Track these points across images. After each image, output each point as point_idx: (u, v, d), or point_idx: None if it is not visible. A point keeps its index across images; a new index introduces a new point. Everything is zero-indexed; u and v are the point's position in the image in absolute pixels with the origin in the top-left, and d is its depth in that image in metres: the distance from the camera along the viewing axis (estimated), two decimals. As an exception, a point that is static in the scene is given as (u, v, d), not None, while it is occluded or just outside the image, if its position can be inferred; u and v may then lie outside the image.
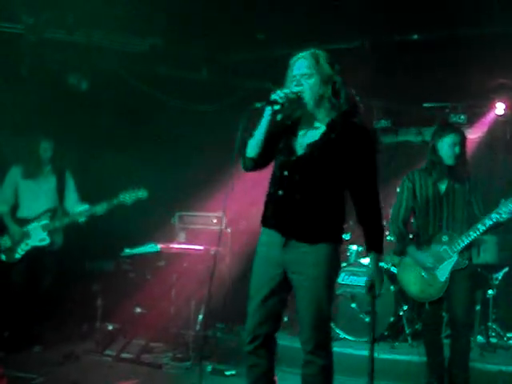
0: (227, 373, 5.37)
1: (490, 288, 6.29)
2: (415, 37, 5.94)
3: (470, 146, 7.33)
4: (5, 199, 6.13)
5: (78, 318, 6.45)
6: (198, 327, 6.15)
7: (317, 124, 3.44)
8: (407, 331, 6.07)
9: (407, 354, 5.63)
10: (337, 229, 3.41)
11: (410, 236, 4.88)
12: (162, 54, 6.59)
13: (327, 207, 3.34)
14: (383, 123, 7.89)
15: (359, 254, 6.75)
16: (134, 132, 7.34)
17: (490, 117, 7.48)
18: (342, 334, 6.25)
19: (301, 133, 3.47)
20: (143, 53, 6.55)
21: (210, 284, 3.92)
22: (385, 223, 6.63)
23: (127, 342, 5.89)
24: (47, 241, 6.03)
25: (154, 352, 5.96)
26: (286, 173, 3.41)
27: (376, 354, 5.59)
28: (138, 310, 6.15)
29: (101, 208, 5.97)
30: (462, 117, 7.47)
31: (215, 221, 7.13)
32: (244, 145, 3.47)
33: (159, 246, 5.73)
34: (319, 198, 3.34)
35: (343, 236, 3.54)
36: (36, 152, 6.12)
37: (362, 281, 6.30)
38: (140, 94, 6.96)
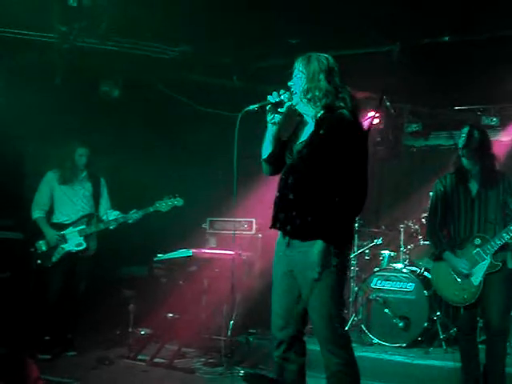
0: (260, 378, 5.36)
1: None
2: (446, 38, 5.87)
3: (503, 149, 7.28)
4: (41, 204, 6.14)
5: (112, 323, 6.47)
6: (229, 332, 6.16)
7: (309, 124, 3.57)
8: (441, 336, 5.99)
9: (442, 360, 5.57)
10: (334, 229, 3.33)
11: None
12: (193, 61, 6.61)
13: (320, 206, 3.34)
14: (414, 127, 7.86)
15: (392, 259, 6.71)
16: (166, 139, 7.41)
17: (523, 119, 7.41)
18: (376, 340, 6.21)
19: (299, 136, 3.59)
20: (174, 60, 6.59)
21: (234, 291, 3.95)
22: (417, 226, 6.66)
23: (160, 347, 5.91)
24: (84, 246, 6.05)
25: (186, 357, 6.00)
26: (283, 175, 3.55)
27: (410, 360, 5.65)
28: (171, 315, 6.16)
29: (136, 215, 6.04)
30: (495, 119, 7.40)
31: (246, 226, 7.15)
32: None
33: (191, 251, 5.75)
34: (311, 196, 3.38)
35: (346, 236, 3.48)
36: (72, 158, 6.14)
37: (394, 285, 6.28)
38: (172, 101, 7.02)
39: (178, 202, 6.00)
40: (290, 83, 3.56)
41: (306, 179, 3.41)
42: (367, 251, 7.00)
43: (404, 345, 6.05)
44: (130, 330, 6.31)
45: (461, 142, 4.72)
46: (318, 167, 3.37)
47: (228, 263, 6.03)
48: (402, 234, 6.68)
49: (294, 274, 3.47)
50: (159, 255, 6.03)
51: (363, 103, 7.81)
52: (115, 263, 6.91)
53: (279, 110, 3.53)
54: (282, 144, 3.63)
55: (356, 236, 6.85)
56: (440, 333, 6.02)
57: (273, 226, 3.57)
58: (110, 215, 6.22)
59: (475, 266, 4.57)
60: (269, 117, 3.55)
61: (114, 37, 6.04)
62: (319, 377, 4.56)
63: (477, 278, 4.57)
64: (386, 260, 6.72)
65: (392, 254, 6.74)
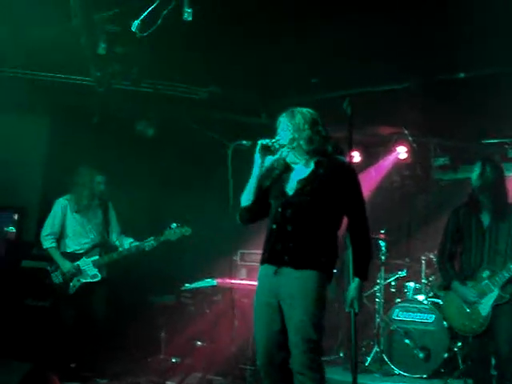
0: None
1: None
2: (462, 75, 6.04)
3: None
4: (53, 233, 6.09)
5: (144, 350, 6.69)
6: (256, 361, 6.31)
7: (301, 168, 3.85)
8: (461, 367, 6.03)
9: (460, 390, 5.62)
10: (326, 259, 3.71)
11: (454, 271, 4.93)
12: (222, 100, 6.96)
13: (317, 237, 3.68)
14: (441, 161, 7.97)
15: (416, 291, 6.79)
16: (199, 174, 7.73)
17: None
18: (397, 370, 6.29)
19: (290, 178, 3.85)
20: (204, 100, 6.95)
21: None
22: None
23: (187, 374, 6.13)
24: (99, 277, 6.03)
25: (212, 384, 6.20)
26: (279, 209, 3.76)
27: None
28: (198, 343, 6.38)
29: (149, 244, 6.03)
30: (522, 151, 7.46)
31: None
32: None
33: (216, 281, 5.98)
34: (310, 228, 3.67)
35: (334, 269, 3.78)
36: (91, 186, 6.14)
37: (415, 317, 6.37)
38: (203, 137, 7.36)
39: (186, 231, 6.06)
40: (277, 137, 3.81)
41: (305, 212, 3.69)
42: (393, 283, 7.11)
43: (425, 376, 6.11)
44: (161, 357, 6.59)
45: (474, 176, 4.89)
46: (319, 202, 3.70)
47: (253, 293, 6.22)
48: (424, 265, 6.78)
49: (280, 298, 3.65)
50: (186, 285, 6.27)
51: (389, 139, 8.03)
52: (146, 292, 7.16)
53: (271, 155, 3.79)
54: (264, 192, 3.87)
55: (382, 269, 6.99)
56: (460, 364, 6.06)
57: (267, 258, 3.76)
58: (125, 243, 6.22)
59: (483, 297, 4.69)
60: (257, 160, 3.81)
61: (146, 79, 6.46)
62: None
63: (485, 309, 4.68)
64: (410, 292, 6.80)
65: (417, 285, 6.82)
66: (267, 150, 3.79)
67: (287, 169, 3.88)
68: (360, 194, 3.81)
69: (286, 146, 3.78)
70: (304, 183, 3.76)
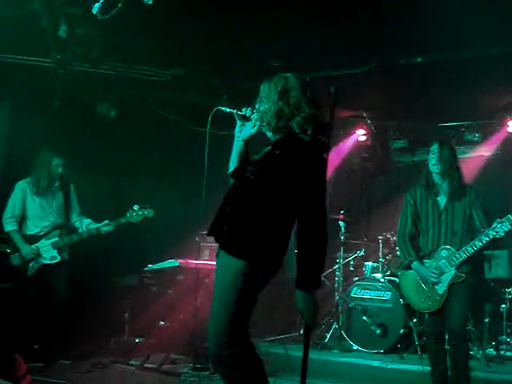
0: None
1: (503, 302, 6.43)
2: (419, 60, 6.19)
3: (484, 164, 7.58)
4: (14, 216, 6.12)
5: (107, 331, 6.75)
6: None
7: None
8: (417, 343, 6.25)
9: (414, 364, 5.78)
10: (255, 251, 3.22)
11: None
12: (184, 82, 7.00)
13: (252, 225, 3.24)
14: (400, 143, 8.16)
15: (374, 270, 6.99)
16: (162, 156, 7.77)
17: (502, 134, 7.63)
18: (355, 346, 6.48)
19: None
20: (167, 82, 6.98)
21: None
22: (395, 238, 6.93)
23: (150, 353, 6.23)
24: (58, 259, 6.09)
25: (176, 363, 6.27)
26: (229, 186, 3.49)
27: (385, 365, 5.92)
28: (162, 322, 6.47)
29: (108, 227, 6.09)
30: (477, 135, 7.67)
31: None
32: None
33: (178, 262, 6.05)
34: (246, 213, 3.26)
35: (273, 262, 3.31)
36: (48, 168, 6.14)
37: (373, 294, 6.56)
38: (165, 120, 7.40)
39: (149, 212, 6.13)
40: (257, 106, 3.44)
41: (245, 195, 3.32)
42: (352, 262, 7.30)
43: (381, 351, 6.32)
44: (125, 337, 6.67)
45: (431, 158, 5.02)
46: (263, 186, 3.30)
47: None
48: (381, 245, 6.98)
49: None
50: (149, 265, 6.34)
51: (349, 122, 8.19)
52: (109, 274, 7.19)
53: (250, 129, 3.42)
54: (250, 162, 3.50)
55: (342, 248, 7.17)
56: (415, 339, 6.28)
57: (208, 233, 3.44)
58: (83, 224, 6.23)
59: (441, 276, 4.87)
60: (237, 129, 3.46)
61: (107, 61, 6.46)
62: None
63: (441, 287, 4.85)
64: (368, 270, 7.01)
65: (374, 264, 7.02)
66: (245, 120, 3.42)
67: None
68: (316, 185, 3.21)
69: (257, 120, 3.39)
70: (254, 165, 3.40)
